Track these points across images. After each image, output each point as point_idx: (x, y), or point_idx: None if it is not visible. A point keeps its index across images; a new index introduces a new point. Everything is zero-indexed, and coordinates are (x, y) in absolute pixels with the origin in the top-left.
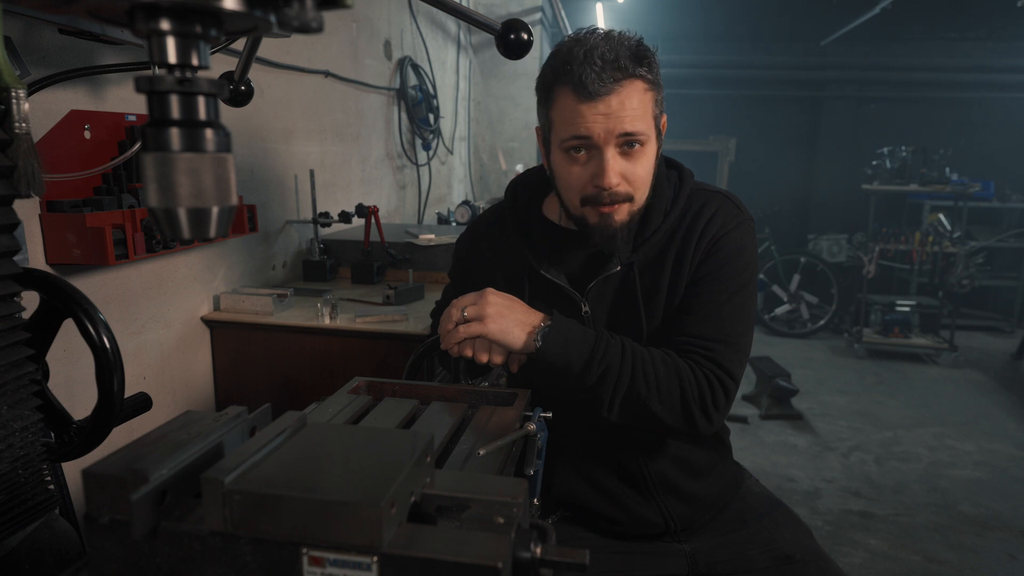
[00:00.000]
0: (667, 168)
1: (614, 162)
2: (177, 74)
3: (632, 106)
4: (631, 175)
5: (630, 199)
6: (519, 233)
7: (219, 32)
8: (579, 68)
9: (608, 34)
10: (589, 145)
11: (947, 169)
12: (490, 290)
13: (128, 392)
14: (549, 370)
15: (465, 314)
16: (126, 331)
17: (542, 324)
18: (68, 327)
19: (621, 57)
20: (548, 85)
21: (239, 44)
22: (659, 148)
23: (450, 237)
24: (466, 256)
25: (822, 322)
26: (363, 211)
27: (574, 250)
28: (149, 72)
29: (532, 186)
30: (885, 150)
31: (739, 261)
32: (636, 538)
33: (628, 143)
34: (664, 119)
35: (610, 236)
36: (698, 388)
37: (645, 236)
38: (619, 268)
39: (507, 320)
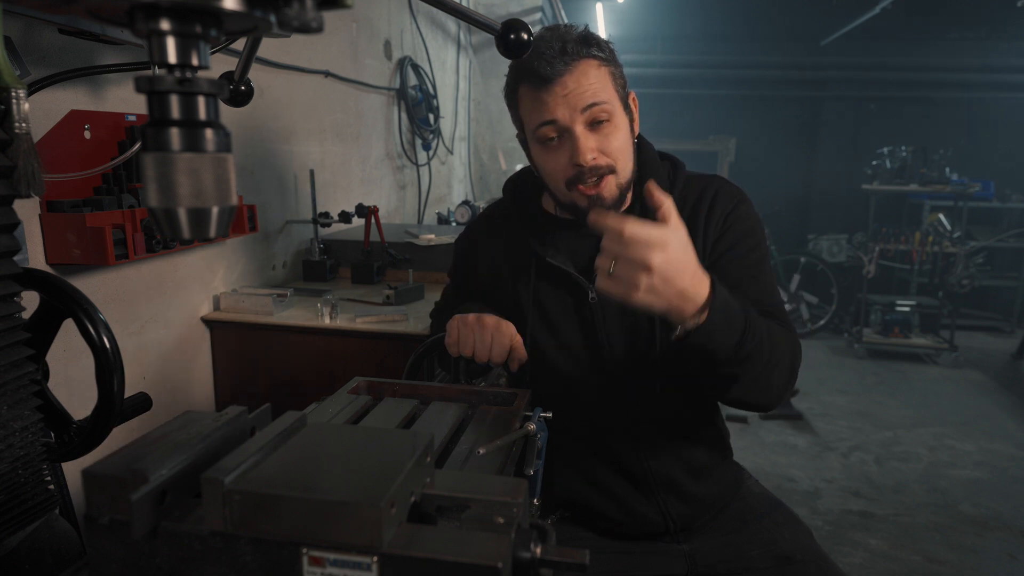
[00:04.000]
0: (661, 160)
1: (585, 139)
2: (177, 74)
3: (589, 81)
4: (606, 148)
5: (612, 171)
6: (523, 224)
7: (219, 32)
8: (532, 62)
9: (554, 27)
10: (559, 129)
11: (947, 169)
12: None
13: (128, 392)
14: (693, 355)
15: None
16: (126, 331)
17: (696, 317)
18: (68, 327)
19: (568, 43)
20: (511, 89)
21: (239, 44)
22: (632, 123)
23: (450, 237)
24: (467, 254)
25: (822, 322)
26: (363, 211)
27: (579, 238)
28: (149, 72)
29: (530, 182)
30: (885, 150)
31: (757, 232)
32: (635, 538)
33: (595, 120)
34: (632, 96)
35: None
36: (796, 353)
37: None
38: None
39: (666, 294)
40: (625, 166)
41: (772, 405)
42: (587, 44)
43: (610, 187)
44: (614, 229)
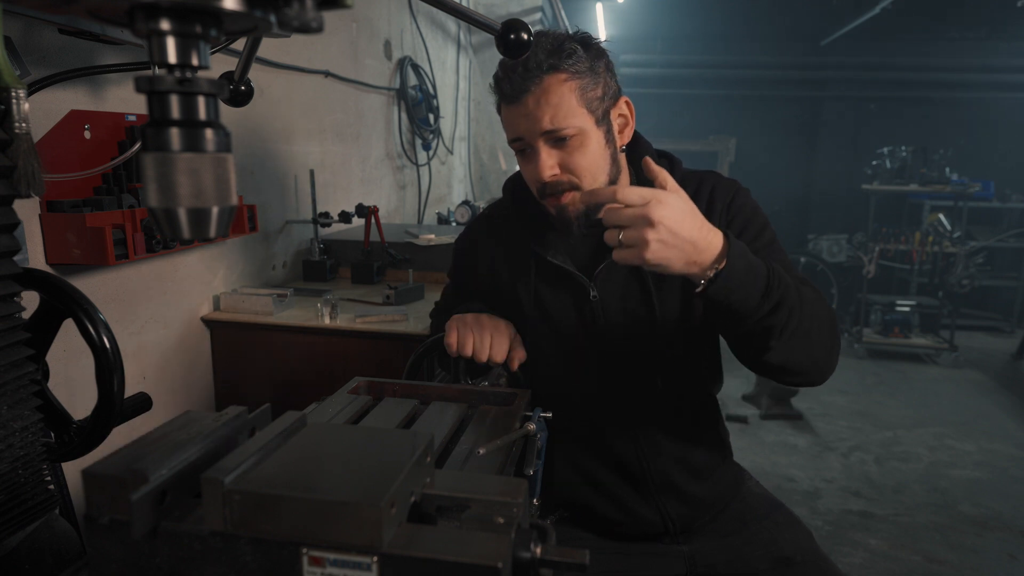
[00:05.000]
0: (659, 158)
1: (546, 156)
2: (177, 74)
3: (551, 102)
4: (570, 165)
5: (575, 188)
6: (523, 223)
7: (219, 32)
8: (500, 79)
9: (537, 34)
10: (525, 144)
11: (947, 169)
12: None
13: (128, 392)
14: (720, 313)
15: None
16: (126, 331)
17: (714, 266)
18: (68, 327)
19: (533, 57)
20: (497, 99)
21: (239, 44)
22: (614, 134)
23: (450, 237)
24: (466, 254)
25: None
26: (363, 211)
27: (578, 238)
28: (149, 72)
29: None
30: (885, 150)
31: (760, 216)
32: (635, 539)
33: (557, 137)
34: (624, 101)
35: (567, 223)
36: (833, 317)
37: None
38: None
39: (678, 244)
40: (593, 181)
41: (821, 370)
42: (557, 56)
43: (575, 203)
44: (606, 195)
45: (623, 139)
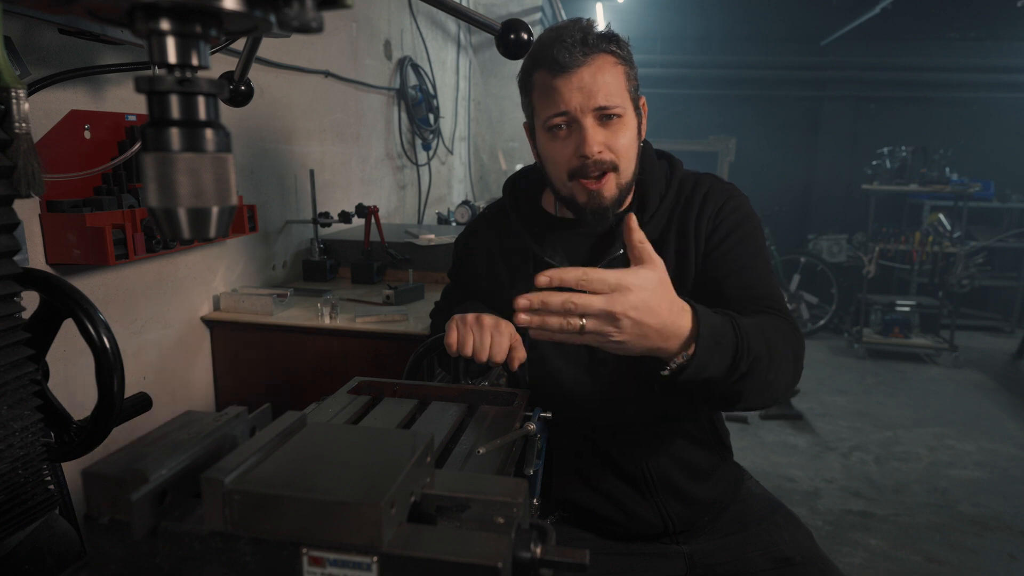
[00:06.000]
0: (659, 158)
1: (594, 131)
2: (177, 74)
3: (605, 80)
4: (613, 144)
5: (615, 168)
6: (522, 223)
7: (219, 32)
8: (552, 49)
9: (576, 20)
10: (569, 119)
11: (947, 169)
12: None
13: (128, 392)
14: (688, 390)
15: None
16: (126, 331)
17: (682, 351)
18: (68, 327)
19: (589, 35)
20: (527, 73)
21: (239, 44)
22: (640, 124)
23: (450, 237)
24: (466, 254)
25: (822, 322)
26: (363, 211)
27: (576, 237)
28: (149, 72)
29: (529, 181)
30: (885, 150)
31: (749, 223)
32: (634, 539)
33: (606, 115)
34: (643, 100)
35: (601, 211)
36: (798, 346)
37: (644, 219)
38: (622, 252)
39: (642, 333)
40: (628, 166)
41: (774, 403)
42: (608, 40)
43: (610, 185)
44: (571, 278)
45: (641, 134)
